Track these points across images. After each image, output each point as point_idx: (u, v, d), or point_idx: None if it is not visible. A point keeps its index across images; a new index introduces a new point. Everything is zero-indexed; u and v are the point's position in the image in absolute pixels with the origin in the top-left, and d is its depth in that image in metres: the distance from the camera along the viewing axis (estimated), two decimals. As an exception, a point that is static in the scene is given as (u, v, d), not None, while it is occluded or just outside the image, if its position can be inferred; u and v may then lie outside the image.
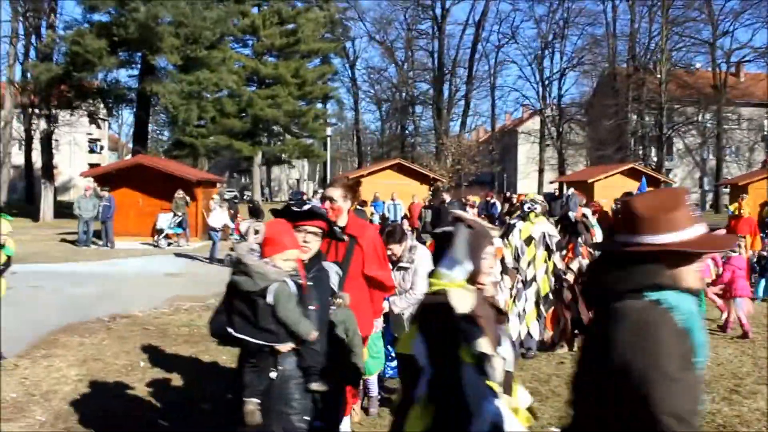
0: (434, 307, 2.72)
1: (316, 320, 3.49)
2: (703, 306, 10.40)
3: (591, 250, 8.15)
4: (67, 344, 7.86)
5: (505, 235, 7.78)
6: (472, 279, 2.77)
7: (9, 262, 7.18)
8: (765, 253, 12.07)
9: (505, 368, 2.73)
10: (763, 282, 11.40)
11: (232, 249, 16.15)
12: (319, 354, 3.48)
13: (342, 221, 4.39)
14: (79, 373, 6.66)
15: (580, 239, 8.19)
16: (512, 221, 8.12)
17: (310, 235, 3.76)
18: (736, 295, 8.64)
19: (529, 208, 7.75)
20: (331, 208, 4.34)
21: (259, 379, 3.41)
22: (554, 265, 7.66)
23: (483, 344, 2.60)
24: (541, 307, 7.54)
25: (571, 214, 8.44)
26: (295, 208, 3.75)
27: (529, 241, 7.58)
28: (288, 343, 3.38)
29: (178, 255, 18.05)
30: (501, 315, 2.96)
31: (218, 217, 17.20)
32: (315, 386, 3.45)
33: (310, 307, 3.48)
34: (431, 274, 2.89)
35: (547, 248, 7.65)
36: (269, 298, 3.30)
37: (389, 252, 5.26)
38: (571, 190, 10.81)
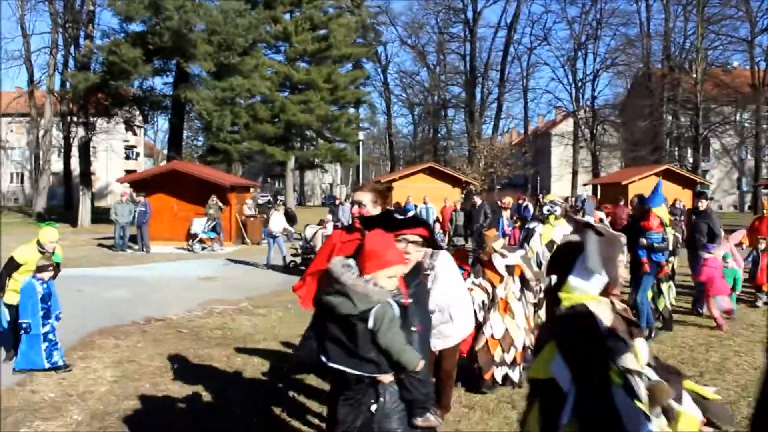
0: (575, 324, 2.47)
1: (419, 344, 3.18)
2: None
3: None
4: (103, 346, 8.03)
5: (525, 241, 7.60)
6: (605, 290, 2.52)
7: (59, 269, 7.44)
8: None
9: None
10: None
11: (295, 254, 16.33)
12: (425, 384, 3.11)
13: None
14: (114, 374, 6.81)
15: None
16: (531, 225, 7.89)
17: (411, 245, 3.48)
18: (714, 293, 9.22)
19: (548, 210, 7.56)
20: (360, 213, 4.07)
21: (356, 414, 3.01)
22: None
23: (630, 361, 2.36)
24: None
25: (588, 218, 7.91)
26: (397, 215, 3.40)
27: (551, 245, 7.26)
28: (390, 374, 2.98)
29: (230, 260, 18.20)
30: (635, 328, 2.58)
31: (277, 221, 17.27)
32: (421, 421, 3.07)
33: (413, 329, 3.16)
34: (560, 288, 2.57)
35: None
36: (370, 323, 2.88)
37: None
38: (585, 193, 10.62)
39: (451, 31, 62.61)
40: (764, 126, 52.08)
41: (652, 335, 8.28)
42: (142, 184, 22.57)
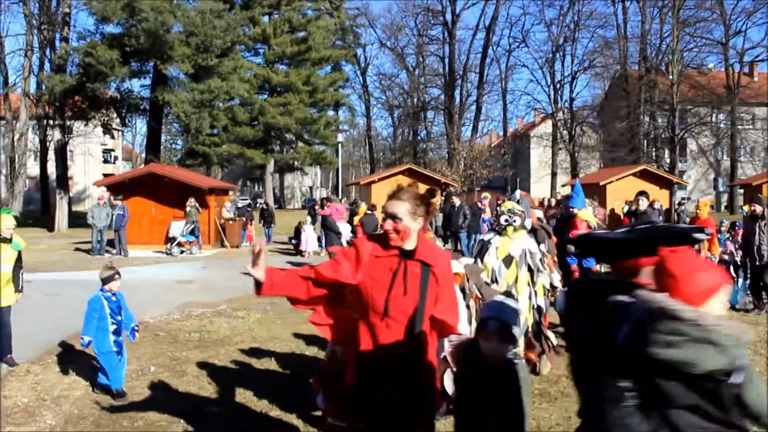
0: None
1: None
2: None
3: (556, 259, 7.18)
4: (78, 350, 7.94)
5: (479, 255, 6.53)
6: None
7: (20, 259, 7.31)
8: (726, 257, 11.47)
9: None
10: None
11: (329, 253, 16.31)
12: None
13: (410, 245, 3.29)
14: (90, 378, 6.73)
15: (542, 247, 6.79)
16: (486, 237, 6.73)
17: None
18: None
19: (506, 221, 6.40)
20: (395, 229, 3.23)
21: None
22: (543, 287, 6.56)
23: None
24: (531, 338, 6.44)
25: (527, 220, 6.75)
26: (697, 235, 2.42)
27: (508, 260, 6.36)
28: None
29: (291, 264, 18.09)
30: None
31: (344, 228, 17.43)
32: None
33: None
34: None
35: (530, 269, 6.44)
36: (737, 377, 2.10)
37: None
38: (518, 192, 9.54)
39: (430, 34, 62.92)
40: (739, 127, 52.81)
41: None
42: (119, 188, 22.34)
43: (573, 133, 56.68)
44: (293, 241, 21.59)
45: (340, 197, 40.85)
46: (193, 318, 10.17)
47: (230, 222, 22.98)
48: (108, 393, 6.13)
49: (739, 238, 11.93)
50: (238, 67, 36.19)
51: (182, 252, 20.31)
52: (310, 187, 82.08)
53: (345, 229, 18.55)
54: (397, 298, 3.20)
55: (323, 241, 18.42)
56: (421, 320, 3.21)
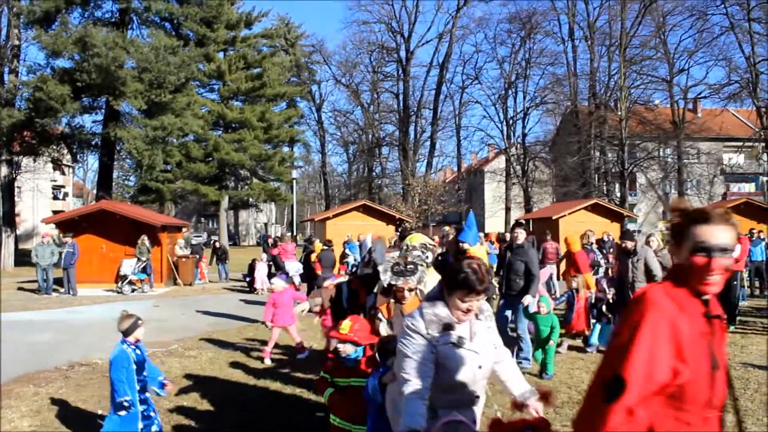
0: None
1: None
2: None
3: None
4: (21, 395, 7.62)
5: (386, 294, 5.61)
6: None
7: None
8: (600, 295, 10.46)
9: None
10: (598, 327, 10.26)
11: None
12: None
13: None
14: (32, 424, 6.46)
15: None
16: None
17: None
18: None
19: (418, 256, 5.27)
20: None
21: None
22: None
23: None
24: None
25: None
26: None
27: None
28: None
29: (244, 302, 17.71)
30: None
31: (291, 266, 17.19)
32: None
33: None
34: None
35: None
36: None
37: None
38: (370, 235, 8.98)
39: (384, 71, 63.53)
40: (685, 161, 54.25)
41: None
42: (69, 225, 21.71)
43: (526, 168, 57.49)
44: (247, 279, 21.30)
45: (294, 234, 40.59)
46: (144, 358, 9.87)
47: (183, 259, 22.60)
48: None
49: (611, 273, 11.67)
50: (192, 103, 35.92)
51: (133, 290, 19.86)
52: (265, 224, 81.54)
53: (292, 267, 18.48)
54: None
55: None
56: None
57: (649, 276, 9.38)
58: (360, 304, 5.39)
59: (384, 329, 4.66)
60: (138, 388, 5.21)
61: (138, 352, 5.31)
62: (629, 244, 9.72)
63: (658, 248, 10.44)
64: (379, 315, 4.69)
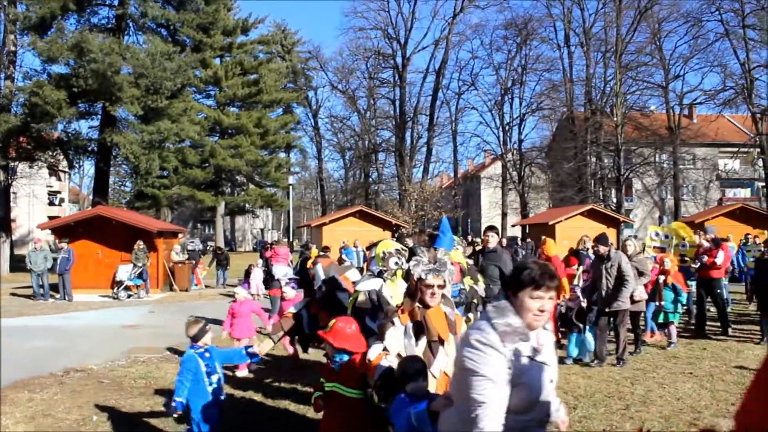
0: None
1: None
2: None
3: None
4: (15, 401, 7.60)
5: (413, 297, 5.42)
6: None
7: None
8: (571, 304, 9.92)
9: None
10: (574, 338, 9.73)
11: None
12: None
13: None
14: (26, 430, 6.44)
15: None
16: (367, 286, 5.65)
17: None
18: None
19: (396, 263, 5.52)
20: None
21: None
22: None
23: None
24: None
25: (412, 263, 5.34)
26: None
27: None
28: None
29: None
30: None
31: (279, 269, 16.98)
32: None
33: None
34: None
35: None
36: None
37: None
38: (319, 265, 8.00)
39: (381, 77, 63.55)
40: (681, 167, 54.39)
41: None
42: (65, 230, 21.69)
43: (522, 173, 57.57)
44: (243, 285, 21.24)
45: (291, 239, 40.57)
46: (139, 364, 9.87)
47: (179, 265, 22.58)
48: None
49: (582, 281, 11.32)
50: (188, 109, 35.94)
51: (129, 296, 19.82)
52: (262, 230, 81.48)
53: (281, 271, 18.38)
54: None
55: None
56: None
57: (620, 281, 9.02)
58: (322, 326, 5.15)
59: (394, 337, 4.21)
60: (210, 391, 5.16)
61: (208, 355, 5.26)
62: (602, 249, 9.29)
63: (634, 253, 9.91)
64: (394, 319, 4.27)
